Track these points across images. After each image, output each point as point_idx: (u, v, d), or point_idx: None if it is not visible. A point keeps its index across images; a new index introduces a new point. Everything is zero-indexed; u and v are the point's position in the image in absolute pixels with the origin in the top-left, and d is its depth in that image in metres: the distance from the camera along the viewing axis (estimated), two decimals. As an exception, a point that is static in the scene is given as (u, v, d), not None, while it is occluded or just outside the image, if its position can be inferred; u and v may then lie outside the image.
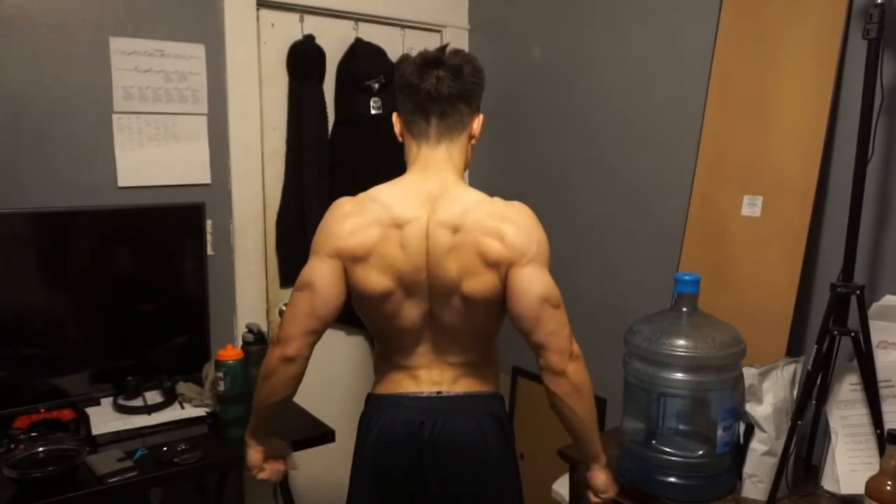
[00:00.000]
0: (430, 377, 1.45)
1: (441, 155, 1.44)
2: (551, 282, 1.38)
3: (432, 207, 1.39)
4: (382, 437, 1.44)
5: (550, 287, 1.37)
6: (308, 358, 1.41)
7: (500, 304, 1.42)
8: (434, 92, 1.40)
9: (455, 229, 1.36)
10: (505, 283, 1.37)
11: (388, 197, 1.40)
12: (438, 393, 1.44)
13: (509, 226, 1.37)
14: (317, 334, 1.40)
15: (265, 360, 1.43)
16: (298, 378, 1.43)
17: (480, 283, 1.37)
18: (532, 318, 1.36)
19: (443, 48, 1.44)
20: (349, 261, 1.39)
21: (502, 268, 1.36)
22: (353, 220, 1.39)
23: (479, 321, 1.44)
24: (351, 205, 1.42)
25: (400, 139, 1.52)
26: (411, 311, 1.42)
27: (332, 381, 2.60)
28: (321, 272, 1.39)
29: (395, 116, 1.50)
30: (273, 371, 1.40)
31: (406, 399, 1.44)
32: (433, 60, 1.41)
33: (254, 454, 1.51)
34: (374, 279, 1.39)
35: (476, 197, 1.41)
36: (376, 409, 1.48)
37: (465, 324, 1.43)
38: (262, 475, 1.52)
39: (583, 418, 1.41)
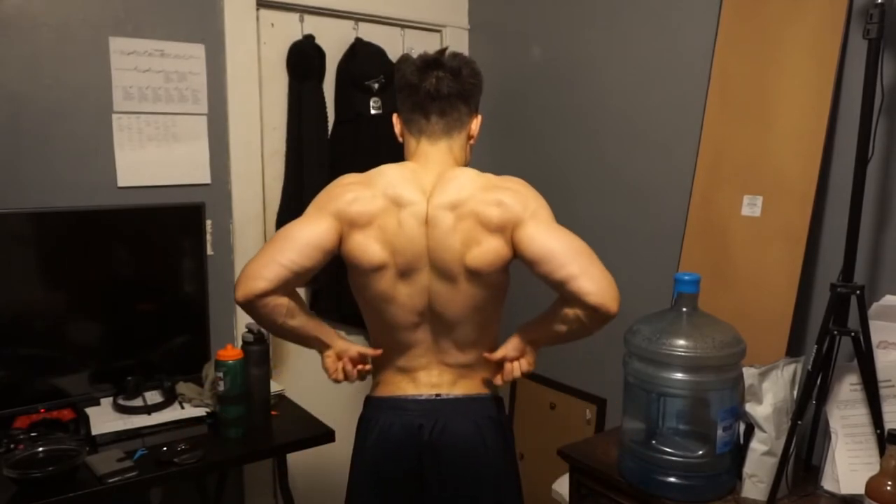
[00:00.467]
0: (429, 379, 1.45)
1: (441, 150, 1.46)
2: (570, 234, 1.36)
3: (431, 194, 1.40)
4: (382, 440, 1.43)
5: (573, 236, 1.36)
6: (280, 289, 1.35)
7: (503, 280, 1.43)
8: (434, 91, 1.42)
9: (454, 207, 1.38)
10: (514, 247, 1.37)
11: (393, 176, 1.42)
12: (437, 395, 1.44)
13: (505, 192, 1.39)
14: (290, 273, 1.34)
15: None
16: (268, 317, 1.38)
17: (485, 251, 1.37)
18: (569, 266, 1.30)
19: (442, 51, 1.46)
20: (348, 225, 1.38)
21: (507, 231, 1.36)
22: (358, 190, 1.40)
23: (480, 306, 1.43)
24: (356, 177, 1.44)
25: (400, 139, 1.53)
26: (408, 298, 1.41)
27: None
28: (310, 228, 1.36)
29: (395, 117, 1.52)
30: None
31: (405, 401, 1.44)
32: (433, 62, 1.44)
33: (325, 360, 1.48)
34: (373, 249, 1.38)
35: (469, 174, 1.43)
36: (375, 411, 1.47)
37: (466, 312, 1.42)
38: (337, 376, 1.47)
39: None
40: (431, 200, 1.39)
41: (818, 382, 1.60)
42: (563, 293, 1.34)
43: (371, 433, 1.45)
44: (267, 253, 1.35)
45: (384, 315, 1.45)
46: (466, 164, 1.52)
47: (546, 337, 1.46)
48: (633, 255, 2.26)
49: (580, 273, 1.29)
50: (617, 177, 2.30)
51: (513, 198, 1.38)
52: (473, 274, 1.39)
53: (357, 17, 2.52)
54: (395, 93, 1.50)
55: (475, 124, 1.51)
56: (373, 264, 1.39)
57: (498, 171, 1.97)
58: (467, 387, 1.46)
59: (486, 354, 1.47)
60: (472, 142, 1.53)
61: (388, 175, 1.42)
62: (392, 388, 1.47)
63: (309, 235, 1.36)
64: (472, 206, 1.37)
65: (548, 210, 1.41)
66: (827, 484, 1.62)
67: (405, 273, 1.40)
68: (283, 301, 1.37)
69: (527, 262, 1.37)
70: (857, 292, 1.55)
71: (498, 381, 1.47)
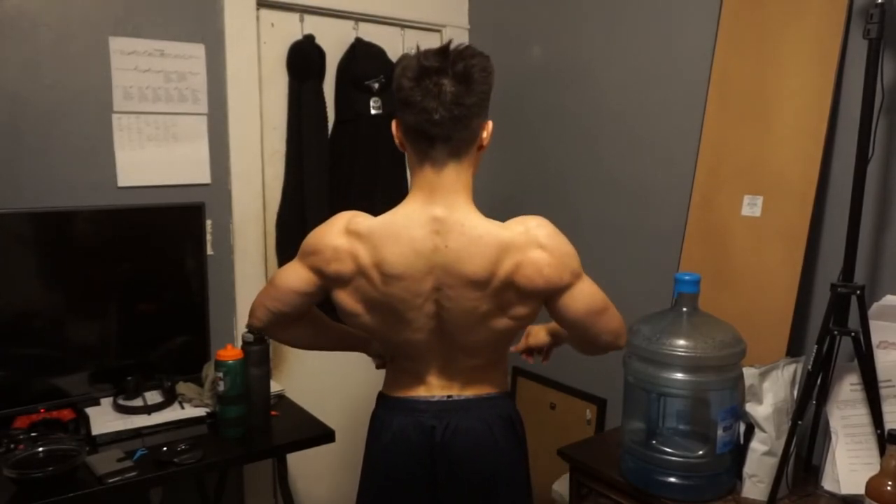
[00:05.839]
0: (440, 382, 1.44)
1: (448, 177, 1.30)
2: (594, 286, 1.37)
3: (445, 261, 1.28)
4: (395, 442, 1.43)
5: (594, 296, 1.36)
6: (274, 327, 1.48)
7: (529, 323, 1.42)
8: (439, 118, 1.24)
9: (484, 284, 1.29)
10: (549, 305, 1.37)
11: (383, 232, 1.30)
12: (449, 397, 1.43)
13: (541, 253, 1.28)
14: (277, 316, 1.44)
15: None
16: (289, 336, 1.53)
17: (518, 312, 1.36)
18: (591, 330, 1.38)
19: (445, 49, 1.26)
20: (328, 281, 1.37)
21: (541, 297, 1.34)
22: (342, 244, 1.32)
23: (501, 337, 1.42)
24: (346, 226, 1.33)
25: (401, 148, 1.37)
26: (412, 335, 1.38)
27: (333, 381, 2.60)
28: (291, 278, 1.40)
29: (394, 124, 1.35)
30: None
31: (418, 403, 1.43)
32: (434, 69, 1.24)
33: (373, 360, 1.62)
34: (356, 306, 1.38)
35: (487, 227, 1.29)
36: (389, 412, 1.46)
37: (485, 341, 1.40)
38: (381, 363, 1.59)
39: None
40: (444, 266, 1.29)
41: (818, 382, 1.60)
42: (589, 341, 1.43)
43: (384, 434, 1.44)
44: (261, 294, 1.46)
45: (387, 337, 1.44)
46: (474, 173, 1.38)
47: (563, 342, 1.61)
48: (633, 255, 2.26)
49: (606, 331, 1.39)
50: (617, 177, 2.30)
51: (549, 262, 1.29)
52: (504, 324, 1.37)
53: (357, 17, 2.52)
54: (395, 96, 1.35)
55: (486, 133, 1.33)
56: (361, 322, 1.40)
57: (497, 173, 1.97)
58: (479, 388, 1.45)
59: (513, 348, 1.57)
60: (481, 151, 1.36)
61: (375, 234, 1.30)
62: (404, 390, 1.46)
63: (291, 284, 1.40)
64: (507, 273, 1.28)
65: (577, 260, 1.34)
66: (827, 484, 1.62)
67: (408, 322, 1.36)
68: (293, 333, 1.52)
69: (556, 322, 1.44)
70: (858, 292, 1.55)
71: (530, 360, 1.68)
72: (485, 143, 1.35)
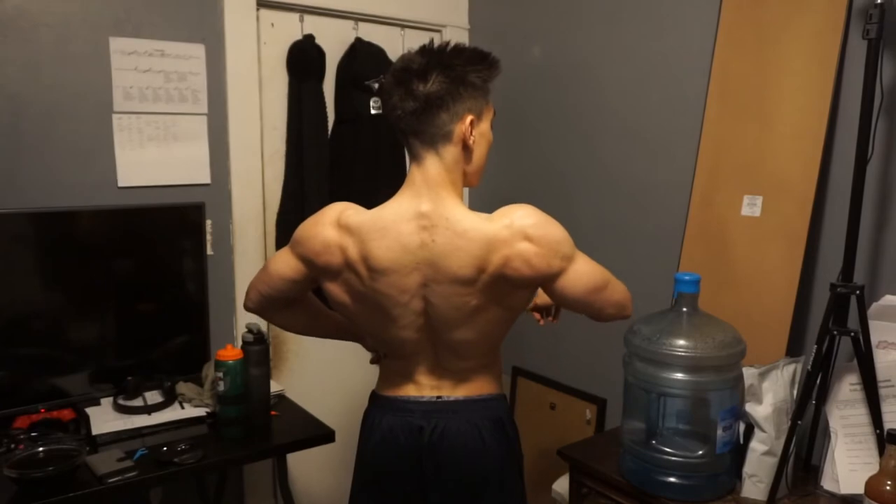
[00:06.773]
0: (431, 382, 1.44)
1: (430, 172, 1.32)
2: (589, 264, 1.34)
3: (431, 257, 1.28)
4: (384, 442, 1.43)
5: (592, 274, 1.34)
6: (266, 310, 1.49)
7: (522, 310, 1.41)
8: (400, 112, 1.29)
9: (471, 280, 1.28)
10: (545, 291, 1.37)
11: (371, 227, 1.30)
12: (438, 397, 1.43)
13: (527, 245, 1.27)
14: (268, 300, 1.46)
15: None
16: (282, 320, 1.54)
17: (512, 301, 1.35)
18: (593, 307, 1.38)
19: (422, 48, 1.31)
20: (316, 272, 1.38)
21: (534, 285, 1.34)
22: (331, 237, 1.33)
23: (492, 332, 1.41)
24: (337, 219, 1.34)
25: None
26: (400, 333, 1.38)
27: (333, 381, 2.60)
28: (281, 266, 1.42)
29: None
30: None
31: (407, 403, 1.43)
32: (406, 68, 1.29)
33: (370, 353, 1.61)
34: (345, 298, 1.38)
35: (480, 225, 1.28)
36: (379, 411, 1.47)
37: (475, 338, 1.39)
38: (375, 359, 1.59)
39: None
40: (430, 261, 1.28)
41: (818, 382, 1.60)
42: (593, 315, 1.42)
43: (374, 433, 1.45)
44: (255, 278, 1.48)
45: (378, 334, 1.44)
46: (477, 172, 1.38)
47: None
48: (633, 255, 2.26)
49: (609, 305, 1.39)
50: (617, 177, 2.30)
51: (539, 251, 1.27)
52: (495, 315, 1.36)
53: (357, 17, 2.52)
54: None
55: (463, 127, 1.30)
56: (350, 311, 1.40)
57: (497, 173, 1.95)
58: (469, 389, 1.44)
59: (527, 309, 1.56)
60: (469, 147, 1.33)
61: (365, 227, 1.30)
62: (395, 389, 1.46)
63: (280, 271, 1.42)
64: (498, 266, 1.27)
65: (570, 243, 1.31)
66: (826, 484, 1.63)
67: (396, 318, 1.36)
68: (287, 318, 1.52)
69: (557, 304, 1.43)
70: (857, 292, 1.55)
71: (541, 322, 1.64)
72: (466, 137, 1.31)
